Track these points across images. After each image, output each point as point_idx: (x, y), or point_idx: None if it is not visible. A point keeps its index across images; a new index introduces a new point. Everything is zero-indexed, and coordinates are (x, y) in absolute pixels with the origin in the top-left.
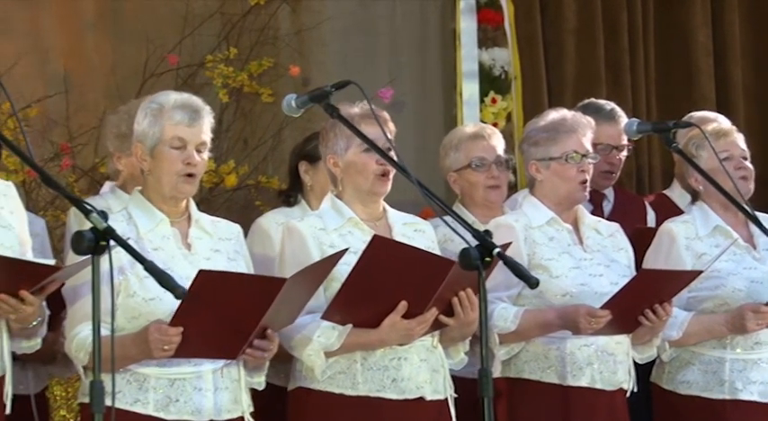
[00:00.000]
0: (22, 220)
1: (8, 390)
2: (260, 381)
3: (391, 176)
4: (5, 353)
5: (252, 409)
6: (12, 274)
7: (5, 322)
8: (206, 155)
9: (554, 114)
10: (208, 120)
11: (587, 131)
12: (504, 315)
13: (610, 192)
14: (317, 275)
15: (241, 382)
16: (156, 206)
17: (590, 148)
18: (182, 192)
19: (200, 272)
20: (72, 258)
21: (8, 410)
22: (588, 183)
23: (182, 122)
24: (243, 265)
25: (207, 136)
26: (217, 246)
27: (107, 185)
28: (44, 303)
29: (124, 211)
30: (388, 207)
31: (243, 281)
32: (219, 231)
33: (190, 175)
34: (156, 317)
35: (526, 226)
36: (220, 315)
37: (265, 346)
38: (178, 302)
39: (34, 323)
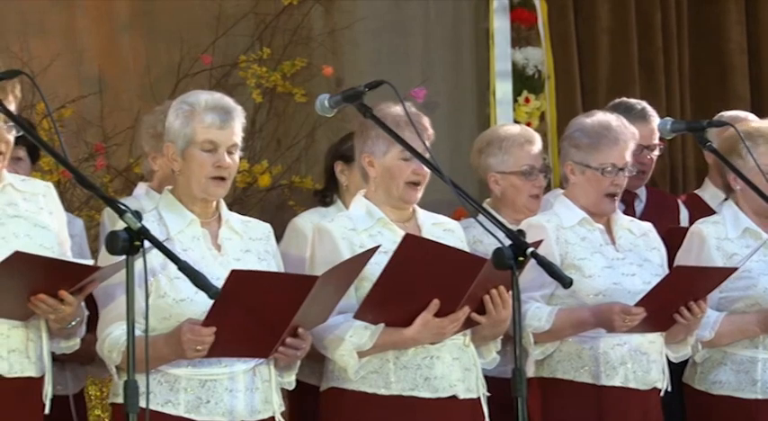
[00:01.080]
0: (62, 221)
1: (47, 391)
2: (290, 381)
3: (424, 186)
4: (45, 354)
5: (283, 409)
6: (51, 275)
7: (45, 322)
8: (237, 156)
9: (600, 118)
10: (239, 121)
11: (630, 143)
12: (538, 314)
13: (642, 192)
14: (348, 274)
15: (272, 382)
16: (187, 206)
17: (629, 160)
18: (212, 194)
19: (233, 271)
20: (105, 258)
21: (47, 410)
22: (619, 195)
23: (213, 125)
24: (273, 265)
25: (238, 137)
26: (247, 246)
27: (140, 186)
28: (83, 303)
29: (155, 212)
30: (417, 207)
31: (275, 279)
32: (250, 231)
33: (221, 178)
34: (187, 318)
35: (558, 226)
36: (253, 314)
37: (298, 345)
38: (208, 303)
39: (73, 323)
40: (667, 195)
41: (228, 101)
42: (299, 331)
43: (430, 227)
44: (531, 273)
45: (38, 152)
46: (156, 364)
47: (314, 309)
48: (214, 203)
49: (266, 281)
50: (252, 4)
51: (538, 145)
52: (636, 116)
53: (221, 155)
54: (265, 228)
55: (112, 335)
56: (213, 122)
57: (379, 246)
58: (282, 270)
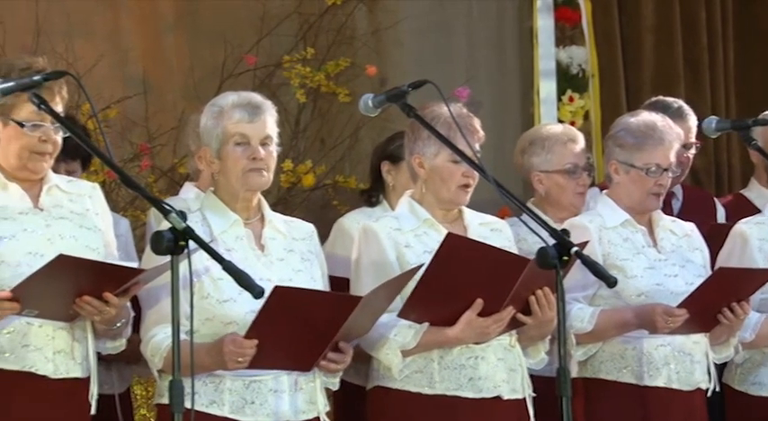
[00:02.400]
0: (108, 222)
1: (93, 391)
2: (334, 382)
3: (473, 188)
4: (90, 355)
5: (327, 409)
6: (96, 277)
7: (90, 323)
8: (273, 148)
9: (645, 118)
10: (270, 115)
11: (675, 144)
12: (581, 315)
13: (678, 190)
14: (391, 290)
15: (317, 383)
16: (230, 207)
17: (673, 160)
18: (252, 185)
19: (276, 287)
20: (149, 257)
21: (93, 410)
22: (663, 195)
23: (242, 120)
24: (316, 265)
25: (271, 130)
26: (290, 246)
27: (187, 186)
28: (128, 304)
29: (198, 213)
30: (464, 208)
31: (317, 298)
32: (293, 231)
33: (258, 170)
34: (230, 319)
35: (601, 226)
36: (295, 329)
37: (339, 359)
38: (252, 304)
39: (119, 324)
40: (703, 192)
41: (257, 97)
42: (340, 345)
43: (477, 226)
44: (574, 274)
45: (89, 161)
46: (198, 372)
47: (357, 322)
48: (256, 202)
49: (309, 298)
50: (296, 4)
51: (581, 143)
52: (672, 114)
53: (255, 147)
54: (308, 228)
55: (155, 340)
56: (242, 117)
57: (421, 266)
58: (326, 270)
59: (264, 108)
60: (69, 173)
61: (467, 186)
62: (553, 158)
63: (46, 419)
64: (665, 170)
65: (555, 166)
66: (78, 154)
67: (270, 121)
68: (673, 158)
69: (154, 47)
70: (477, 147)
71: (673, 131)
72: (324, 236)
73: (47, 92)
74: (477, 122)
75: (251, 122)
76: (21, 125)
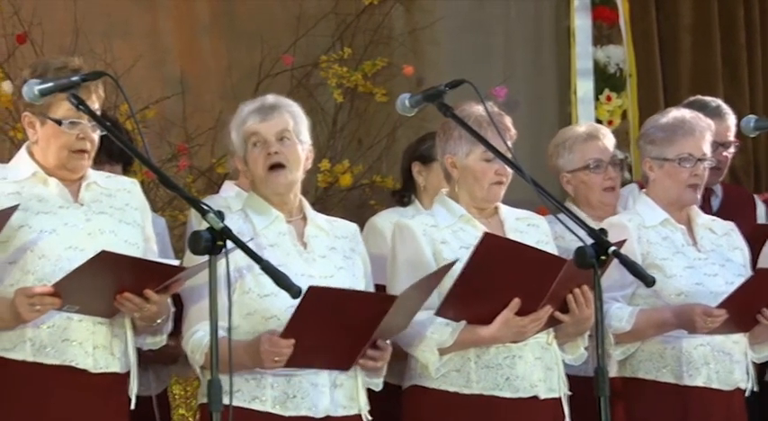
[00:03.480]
0: (147, 217)
1: (133, 386)
2: (378, 383)
3: (506, 184)
4: (130, 350)
5: (369, 408)
6: (137, 274)
7: (130, 319)
8: (295, 142)
9: (674, 113)
10: (287, 111)
11: (706, 134)
12: (620, 315)
13: (718, 188)
14: (427, 286)
15: (358, 380)
16: (271, 205)
17: (707, 152)
18: (273, 184)
19: (310, 288)
20: (190, 257)
21: (132, 406)
22: (701, 188)
23: (255, 121)
24: (359, 264)
25: (288, 123)
26: (333, 243)
27: (227, 184)
28: (169, 301)
29: (241, 211)
30: (500, 204)
31: (353, 297)
32: (336, 230)
33: (278, 166)
34: (271, 313)
35: (639, 225)
36: (331, 328)
37: (378, 356)
38: (293, 300)
39: (159, 321)
40: (743, 191)
41: (273, 98)
42: (378, 342)
43: (513, 221)
44: (612, 273)
45: (131, 163)
46: (236, 370)
47: (394, 320)
48: (296, 201)
49: (344, 297)
50: (332, 4)
51: (604, 140)
52: (711, 113)
53: (270, 142)
54: (352, 228)
55: (195, 336)
56: (254, 119)
57: (456, 261)
58: (369, 270)
59: (279, 105)
60: None
61: (500, 184)
62: (575, 157)
63: (86, 413)
64: (699, 160)
65: (577, 164)
66: (121, 157)
67: (286, 116)
68: (706, 149)
69: (191, 47)
70: (509, 144)
71: (702, 122)
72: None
73: (83, 91)
74: (508, 120)
75: (263, 121)
76: (58, 123)
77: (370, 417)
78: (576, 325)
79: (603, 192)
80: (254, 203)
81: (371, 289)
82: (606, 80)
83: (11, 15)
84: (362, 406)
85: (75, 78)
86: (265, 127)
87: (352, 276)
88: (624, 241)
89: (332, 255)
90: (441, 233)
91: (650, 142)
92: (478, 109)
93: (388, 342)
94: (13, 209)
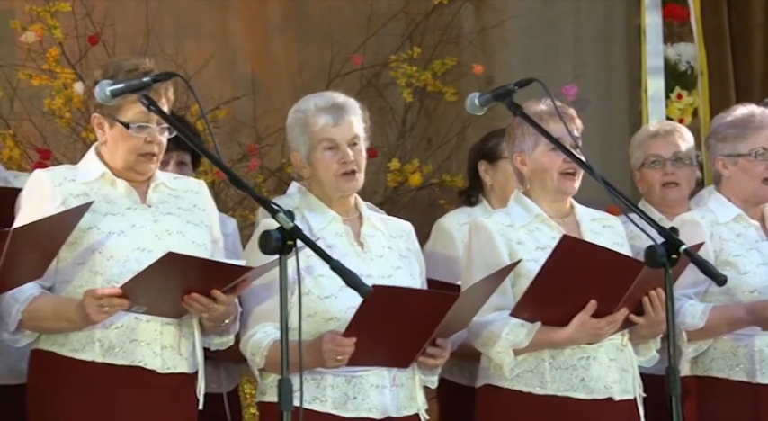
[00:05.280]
0: (214, 218)
1: (201, 386)
2: (433, 380)
3: (579, 175)
4: (198, 350)
5: (426, 406)
6: (205, 275)
7: (198, 319)
8: (362, 146)
9: (742, 110)
10: (354, 113)
11: None
12: (692, 312)
13: None
14: (491, 284)
15: (415, 380)
16: (328, 205)
17: None
18: (345, 190)
19: (375, 287)
20: (255, 257)
21: (201, 406)
22: None
23: (327, 124)
24: (415, 263)
25: (358, 128)
26: (389, 243)
27: (293, 186)
28: (236, 301)
29: (297, 211)
30: (575, 203)
31: (415, 296)
32: (391, 229)
33: (350, 173)
34: (331, 315)
35: (712, 222)
36: (393, 327)
37: (438, 354)
38: (353, 300)
39: (226, 321)
40: None
41: (338, 97)
42: (438, 341)
43: (589, 222)
44: (685, 271)
45: (200, 157)
46: (296, 370)
47: (455, 318)
48: (352, 202)
49: (407, 296)
50: (402, 3)
51: (668, 136)
52: None
53: (344, 151)
54: (406, 227)
55: (255, 338)
56: (327, 122)
57: (519, 261)
58: (424, 269)
59: (348, 107)
60: (180, 164)
61: (570, 174)
62: (640, 154)
63: (154, 413)
64: None
65: (641, 161)
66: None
67: (355, 120)
68: None
69: (262, 47)
70: (576, 133)
71: None
72: (430, 235)
73: (154, 93)
74: (572, 112)
75: (336, 125)
76: (126, 126)
77: (427, 416)
78: (651, 327)
79: (663, 188)
80: (310, 203)
81: (425, 287)
82: (677, 78)
83: (83, 17)
84: (420, 405)
85: (146, 79)
86: (339, 132)
87: (410, 275)
88: (702, 244)
89: (389, 254)
90: (516, 233)
91: (721, 140)
92: (540, 106)
93: (447, 340)
94: (86, 207)
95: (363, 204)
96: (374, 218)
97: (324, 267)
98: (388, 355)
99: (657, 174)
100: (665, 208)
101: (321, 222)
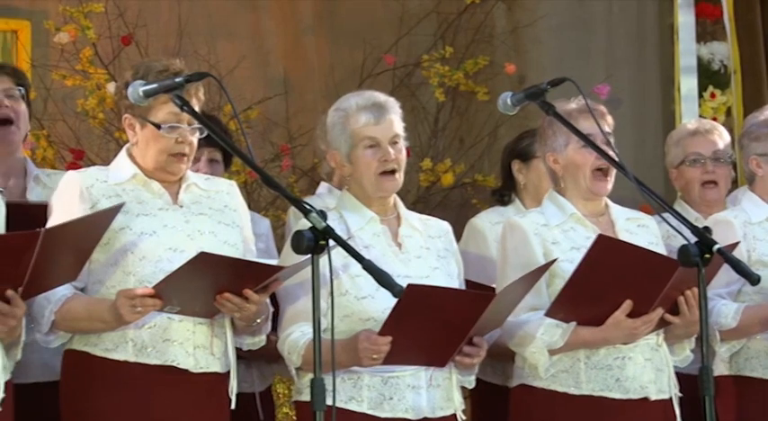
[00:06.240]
0: (246, 218)
1: (233, 386)
2: (471, 380)
3: (612, 174)
4: (230, 350)
5: (464, 407)
6: (236, 274)
7: (230, 319)
8: (402, 145)
9: None
10: (395, 112)
11: None
12: (725, 311)
13: None
14: (527, 283)
15: (452, 380)
16: (365, 205)
17: None
18: (385, 189)
19: (409, 286)
20: (287, 256)
21: (233, 405)
22: None
23: (369, 123)
24: (453, 263)
25: (398, 128)
26: (427, 243)
27: (323, 186)
28: (268, 301)
29: (335, 211)
30: (610, 202)
31: (451, 295)
32: (429, 229)
33: (390, 172)
34: (368, 315)
35: (745, 222)
36: (429, 326)
37: (474, 353)
38: (389, 301)
39: (258, 321)
40: None
41: (379, 96)
42: (474, 339)
43: (624, 222)
44: (718, 270)
45: (231, 156)
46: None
47: (491, 318)
48: (391, 201)
49: (442, 296)
50: (434, 3)
51: (707, 135)
52: None
53: (385, 149)
54: (444, 227)
55: (292, 337)
56: (368, 120)
57: (556, 260)
58: (462, 269)
59: (389, 106)
60: (211, 161)
61: (602, 172)
62: (678, 152)
63: (187, 412)
64: None
65: (679, 159)
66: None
67: (396, 119)
68: None
69: (294, 47)
70: (607, 129)
71: None
72: (462, 234)
73: (185, 93)
74: (603, 108)
75: (378, 124)
76: (157, 127)
77: (464, 417)
78: (686, 327)
79: (702, 187)
80: (348, 203)
81: (463, 288)
82: (710, 77)
83: (116, 17)
84: (457, 405)
85: (179, 79)
86: (380, 131)
87: (447, 276)
88: (737, 244)
89: (426, 255)
90: (551, 233)
91: (755, 139)
92: (570, 104)
93: (483, 339)
94: (119, 208)
95: (401, 203)
96: (412, 218)
97: (360, 267)
98: (424, 354)
99: (697, 173)
100: (702, 207)
101: (359, 222)
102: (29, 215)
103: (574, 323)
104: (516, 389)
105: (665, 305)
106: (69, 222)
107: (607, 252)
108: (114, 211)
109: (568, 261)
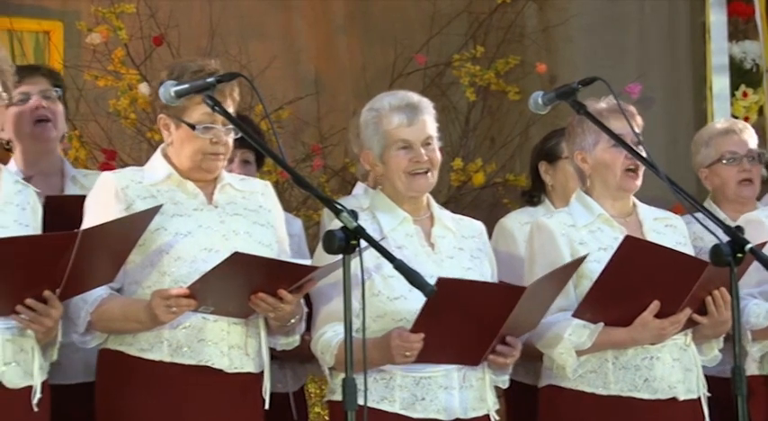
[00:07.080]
0: (280, 219)
1: (267, 386)
2: (504, 379)
3: (641, 172)
4: (263, 350)
5: (497, 407)
6: (271, 274)
7: (264, 319)
8: (435, 145)
9: None
10: (428, 113)
11: None
12: (757, 311)
13: None
14: (558, 280)
15: (486, 380)
16: (398, 205)
17: None
18: (416, 190)
19: (439, 279)
20: (320, 256)
21: (266, 405)
22: None
23: (402, 124)
24: (486, 264)
25: (431, 129)
26: (460, 244)
27: (359, 186)
28: (302, 301)
29: (368, 211)
30: (638, 202)
31: (482, 289)
32: (463, 229)
33: (422, 173)
34: (401, 316)
35: None
36: (460, 322)
37: (508, 352)
38: (422, 301)
39: (292, 321)
40: None
41: (413, 96)
42: (508, 339)
43: (651, 222)
44: (749, 269)
45: (264, 156)
46: (366, 367)
47: (524, 316)
48: (425, 201)
49: (473, 290)
50: (465, 2)
51: (741, 134)
52: None
53: (417, 151)
54: (478, 227)
55: (324, 337)
56: (401, 122)
57: (586, 256)
58: (495, 269)
59: (422, 107)
60: (244, 163)
61: (633, 170)
62: (711, 151)
63: (221, 412)
64: None
65: (713, 158)
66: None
67: (429, 120)
68: None
69: (326, 47)
70: (637, 129)
71: None
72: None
73: (219, 94)
74: (633, 108)
75: (410, 125)
76: (192, 127)
77: (497, 417)
78: (714, 327)
79: (739, 185)
80: (380, 203)
81: None
82: (742, 76)
83: (148, 18)
84: (491, 406)
85: (210, 80)
86: (413, 132)
87: (480, 276)
88: (766, 243)
89: (459, 255)
90: (579, 233)
91: None
92: (600, 104)
93: (517, 339)
94: (156, 210)
95: (435, 203)
96: (445, 218)
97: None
98: (456, 352)
99: (734, 171)
100: (737, 205)
101: (391, 222)
102: (65, 208)
103: (601, 324)
104: (545, 389)
105: (692, 305)
106: (107, 223)
107: (635, 253)
108: (152, 213)
109: (596, 261)
